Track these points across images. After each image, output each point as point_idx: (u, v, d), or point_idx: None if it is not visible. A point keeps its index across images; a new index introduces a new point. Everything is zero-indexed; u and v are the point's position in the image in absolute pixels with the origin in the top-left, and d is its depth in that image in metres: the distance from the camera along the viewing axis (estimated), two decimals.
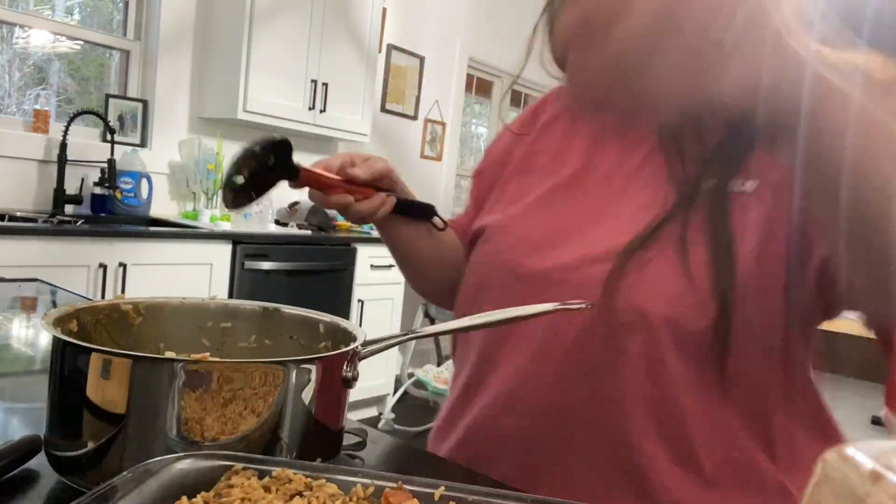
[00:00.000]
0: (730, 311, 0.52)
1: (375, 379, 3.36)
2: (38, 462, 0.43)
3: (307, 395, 0.43)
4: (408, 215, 0.74)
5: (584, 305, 0.52)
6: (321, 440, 0.45)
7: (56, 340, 0.40)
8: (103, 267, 2.28)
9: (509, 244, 0.65)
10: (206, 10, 3.04)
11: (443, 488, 0.35)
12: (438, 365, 3.70)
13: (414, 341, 2.60)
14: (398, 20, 3.95)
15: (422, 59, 4.14)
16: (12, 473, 0.42)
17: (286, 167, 0.63)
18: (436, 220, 0.76)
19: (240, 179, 0.61)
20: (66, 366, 0.40)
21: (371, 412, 3.46)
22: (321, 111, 3.21)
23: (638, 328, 0.53)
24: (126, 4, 2.97)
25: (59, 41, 2.87)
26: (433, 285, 0.82)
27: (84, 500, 0.32)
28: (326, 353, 0.46)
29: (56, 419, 0.42)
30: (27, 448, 0.42)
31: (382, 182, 0.71)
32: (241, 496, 0.34)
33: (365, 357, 0.47)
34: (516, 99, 5.27)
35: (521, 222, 0.66)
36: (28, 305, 1.09)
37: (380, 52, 3.67)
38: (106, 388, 0.39)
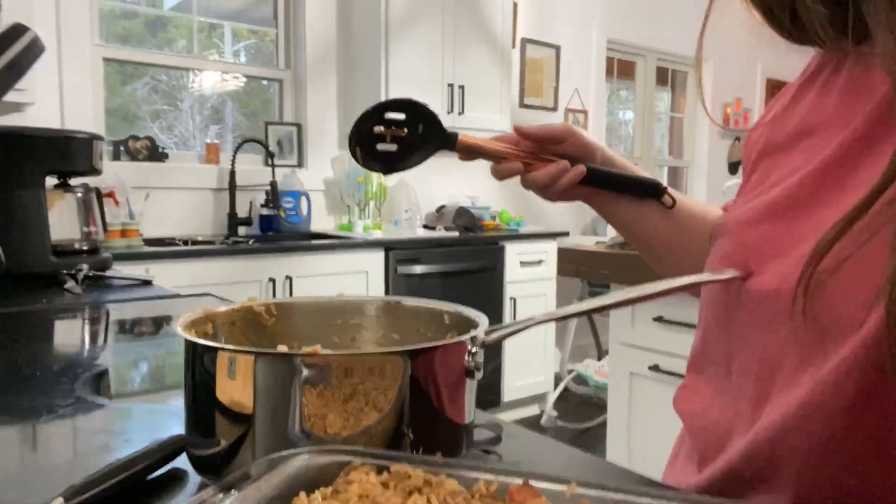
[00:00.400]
0: None
1: (535, 376, 3.32)
2: (186, 461, 0.45)
3: (429, 386, 0.41)
4: (616, 189, 0.64)
5: (735, 275, 0.45)
6: (448, 435, 0.43)
7: (186, 342, 0.42)
8: (272, 280, 2.46)
9: (724, 253, 0.49)
10: (346, 31, 3.20)
11: (574, 485, 0.31)
12: (599, 359, 3.57)
13: (572, 336, 2.51)
14: (530, 12, 3.89)
15: (557, 49, 4.05)
16: (160, 472, 0.44)
17: (439, 135, 0.60)
18: (664, 198, 0.63)
19: (388, 147, 0.60)
20: (196, 365, 0.42)
21: (532, 410, 3.42)
22: (460, 113, 3.24)
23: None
24: (276, 37, 3.21)
25: (226, 80, 3.18)
26: (676, 272, 0.66)
27: (209, 492, 0.32)
28: (446, 341, 0.44)
29: (191, 419, 0.43)
30: (173, 447, 0.44)
31: (565, 147, 0.62)
32: (358, 493, 0.33)
33: (488, 344, 0.43)
34: (662, 76, 4.97)
35: (741, 225, 0.48)
36: None
37: (513, 47, 3.64)
38: (233, 386, 0.40)
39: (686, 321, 1.59)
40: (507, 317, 3.17)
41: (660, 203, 0.63)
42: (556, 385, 3.46)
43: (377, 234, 2.93)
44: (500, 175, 0.62)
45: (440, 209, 3.37)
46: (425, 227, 3.28)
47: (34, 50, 0.28)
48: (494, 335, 0.44)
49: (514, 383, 3.21)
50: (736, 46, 4.95)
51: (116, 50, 2.80)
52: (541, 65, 3.99)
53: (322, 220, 3.18)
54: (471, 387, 0.44)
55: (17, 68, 0.27)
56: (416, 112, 0.61)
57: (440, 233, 3.13)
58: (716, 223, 0.53)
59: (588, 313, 0.44)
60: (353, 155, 0.61)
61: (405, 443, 0.40)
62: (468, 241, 3.08)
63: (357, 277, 2.69)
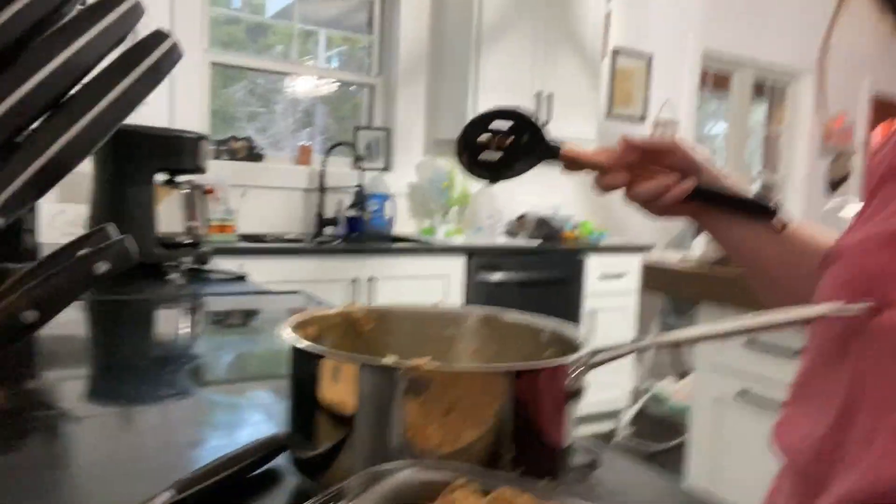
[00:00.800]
0: None
1: (610, 391, 3.23)
2: (287, 460, 0.46)
3: (531, 406, 0.40)
4: (724, 207, 0.61)
5: (864, 306, 0.42)
6: (548, 457, 0.42)
7: (293, 346, 0.43)
8: (355, 281, 2.52)
9: (837, 282, 0.47)
10: (438, 38, 3.24)
11: None
12: (681, 377, 3.44)
13: (652, 353, 2.43)
14: (623, 22, 3.81)
15: (649, 58, 3.94)
16: (261, 470, 0.45)
17: (543, 145, 0.60)
18: (774, 221, 0.60)
19: (492, 156, 0.60)
20: (301, 368, 0.42)
21: (606, 426, 3.33)
22: (547, 122, 3.22)
23: None
24: (370, 44, 3.29)
25: (319, 85, 3.29)
26: (784, 298, 0.63)
27: (312, 502, 0.32)
28: (551, 360, 0.43)
29: (294, 419, 0.44)
30: (273, 446, 0.45)
31: (671, 161, 0.60)
32: None
33: (594, 366, 0.42)
34: (760, 89, 4.75)
35: (857, 249, 0.46)
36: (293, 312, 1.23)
37: (604, 56, 3.57)
38: (335, 392, 0.40)
39: (780, 344, 1.50)
40: (584, 330, 3.10)
41: (770, 225, 0.60)
42: (633, 402, 3.36)
43: (458, 240, 2.94)
44: (603, 187, 0.60)
45: (521, 217, 3.35)
46: (506, 234, 3.27)
47: (173, 56, 0.29)
48: (600, 357, 0.42)
49: (589, 398, 3.13)
50: (842, 59, 4.67)
51: (224, 55, 2.95)
52: (631, 74, 3.90)
53: (405, 224, 3.22)
54: (572, 408, 0.43)
55: (157, 73, 0.28)
56: (522, 121, 0.61)
57: (521, 241, 3.11)
58: (831, 248, 0.50)
59: (701, 340, 0.42)
60: (460, 162, 0.61)
61: (504, 462, 0.40)
62: (548, 251, 3.04)
63: (437, 282, 2.71)
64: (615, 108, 3.85)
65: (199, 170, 1.48)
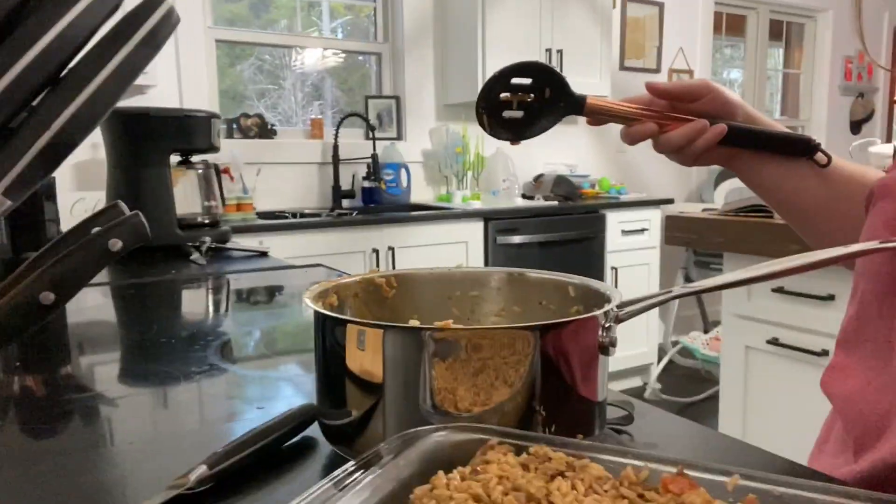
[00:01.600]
0: None
1: (637, 348, 3.23)
2: (318, 430, 0.46)
3: (561, 362, 0.39)
4: (760, 148, 0.58)
5: None
6: (581, 413, 0.41)
7: (317, 314, 0.42)
8: (375, 251, 2.52)
9: (891, 216, 0.45)
10: (443, 1, 3.17)
11: (737, 477, 0.28)
12: (706, 332, 3.42)
13: (676, 307, 2.41)
14: None
15: (661, 6, 3.83)
16: (293, 441, 0.45)
17: (567, 98, 0.58)
18: (818, 156, 0.57)
19: (515, 114, 0.58)
20: (326, 338, 0.42)
21: (635, 382, 3.34)
22: None
23: None
24: (374, 11, 3.23)
25: (326, 57, 3.25)
26: (827, 239, 0.61)
27: (348, 468, 0.32)
28: (579, 316, 0.42)
29: (322, 389, 0.44)
30: (305, 416, 0.45)
31: (702, 105, 0.57)
32: (498, 473, 0.32)
33: (623, 319, 0.41)
34: (776, 31, 4.60)
35: None
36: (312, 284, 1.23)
37: (614, 6, 3.48)
38: (363, 359, 0.40)
39: (809, 293, 1.48)
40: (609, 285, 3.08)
41: (812, 162, 0.57)
42: (660, 358, 3.35)
43: (476, 205, 2.92)
44: (631, 138, 0.58)
45: (538, 178, 3.31)
46: (524, 196, 3.24)
47: (170, 20, 0.28)
48: (629, 309, 0.41)
49: (617, 354, 3.13)
50: None
51: (227, 31, 2.92)
52: (643, 24, 3.79)
53: (421, 192, 3.20)
54: (604, 363, 0.42)
55: (155, 40, 0.27)
56: (543, 75, 0.58)
57: (539, 202, 3.08)
58: (877, 184, 0.48)
59: (728, 286, 0.41)
60: (481, 124, 0.60)
61: (536, 420, 0.39)
62: (568, 210, 3.01)
63: (457, 247, 2.70)
64: (627, 59, 3.76)
65: (212, 148, 1.47)
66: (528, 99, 0.58)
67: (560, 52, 3.14)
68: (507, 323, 0.51)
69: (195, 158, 1.50)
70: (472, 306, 0.53)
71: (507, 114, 0.58)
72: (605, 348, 0.41)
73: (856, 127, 4.88)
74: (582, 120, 0.61)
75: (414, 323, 0.38)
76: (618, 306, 0.41)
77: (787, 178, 0.59)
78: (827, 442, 0.50)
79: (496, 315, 0.52)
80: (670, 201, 3.35)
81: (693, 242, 1.88)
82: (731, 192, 3.61)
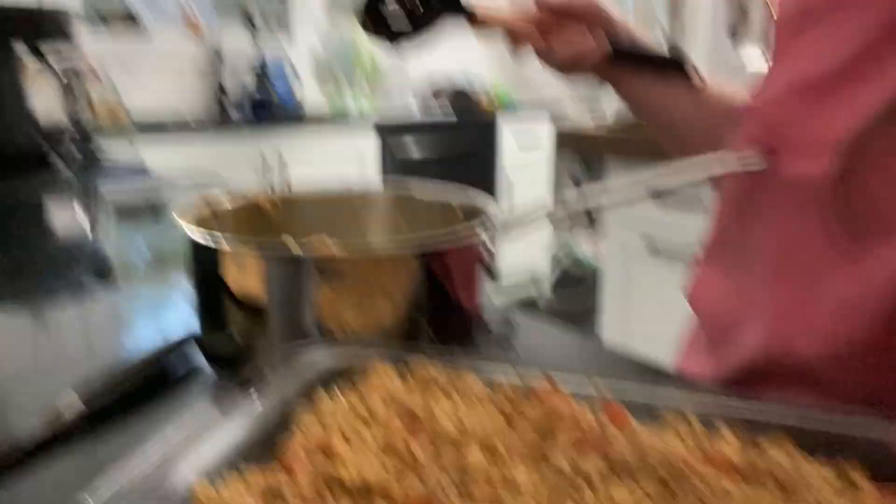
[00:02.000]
0: None
1: (529, 259, 3.36)
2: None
3: (443, 281, 0.40)
4: (636, 65, 0.59)
5: (761, 165, 0.43)
6: (463, 328, 0.43)
7: (192, 240, 0.40)
8: (264, 162, 2.42)
9: (753, 135, 0.46)
10: None
11: (600, 383, 0.30)
12: (591, 227, 3.60)
13: (565, 214, 2.46)
14: None
15: None
16: (180, 373, 0.44)
17: (451, 2, 0.56)
18: (690, 74, 0.58)
19: (395, 11, 0.55)
20: (204, 264, 0.40)
21: (527, 293, 3.49)
22: None
23: None
24: None
25: None
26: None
27: (229, 391, 0.32)
28: (460, 234, 0.42)
29: (202, 315, 0.42)
30: (185, 344, 0.44)
31: (585, 20, 0.58)
32: (381, 394, 0.32)
33: (503, 235, 0.42)
34: None
35: (775, 104, 0.45)
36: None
37: None
38: (241, 284, 0.38)
39: (684, 199, 1.57)
40: (504, 201, 3.15)
41: (686, 81, 0.59)
42: (553, 266, 3.51)
43: (372, 118, 2.84)
44: (517, 49, 0.58)
45: (436, 92, 3.26)
46: (421, 109, 3.19)
47: None
48: (509, 225, 0.42)
49: (509, 266, 3.25)
50: None
51: None
52: None
53: (313, 100, 3.07)
54: (485, 279, 0.43)
55: None
56: None
57: (436, 116, 3.04)
58: (745, 103, 0.50)
59: (608, 205, 0.42)
60: (361, 23, 0.56)
61: (421, 338, 0.40)
62: (464, 124, 3.00)
63: (350, 161, 2.64)
64: None
65: (67, 40, 1.32)
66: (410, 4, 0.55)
67: None
68: (393, 241, 0.51)
69: (55, 61, 1.34)
70: (360, 226, 0.52)
71: (387, 11, 0.55)
72: (488, 267, 0.42)
73: (733, 31, 5.10)
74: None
75: (292, 244, 0.37)
76: (498, 223, 0.42)
77: (662, 96, 0.61)
78: (690, 346, 0.55)
79: (384, 234, 0.52)
80: (564, 119, 3.41)
81: (582, 153, 1.94)
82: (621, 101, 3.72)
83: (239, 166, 2.36)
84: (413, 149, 2.79)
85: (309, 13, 3.03)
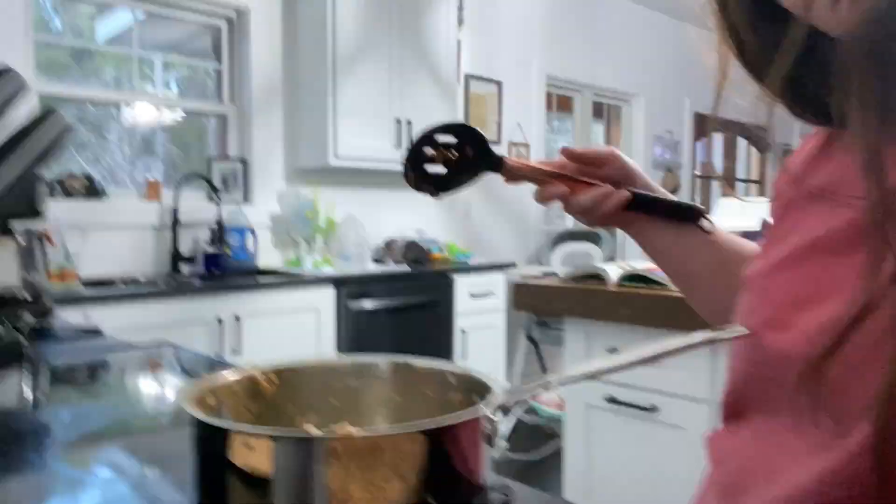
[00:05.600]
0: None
1: None
2: None
3: (451, 456, 0.41)
4: (654, 214, 0.64)
5: (740, 332, 0.46)
6: (468, 500, 0.42)
7: (196, 420, 0.40)
8: (220, 321, 2.38)
9: (749, 309, 0.49)
10: (292, 66, 3.18)
11: None
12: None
13: (521, 367, 2.50)
14: (473, 50, 3.98)
15: (499, 84, 4.15)
16: None
17: (486, 158, 0.63)
18: (702, 222, 0.63)
19: (438, 169, 0.62)
20: (207, 444, 0.40)
21: None
22: (407, 148, 3.26)
23: None
24: (219, 73, 3.16)
25: (162, 114, 3.09)
26: (713, 305, 0.65)
27: None
28: (462, 406, 0.43)
29: (204, 496, 0.41)
30: None
31: (608, 170, 0.63)
32: None
33: (508, 409, 0.43)
34: (598, 110, 5.16)
35: (769, 278, 0.49)
36: (154, 366, 1.14)
37: (458, 82, 3.70)
38: (249, 466, 0.38)
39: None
40: (458, 349, 3.16)
41: (698, 228, 0.63)
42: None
43: (327, 270, 2.89)
44: (544, 197, 0.62)
45: (389, 243, 3.36)
46: (375, 261, 3.26)
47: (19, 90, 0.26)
48: (512, 398, 0.44)
49: None
50: (665, 83, 5.21)
51: (53, 84, 2.69)
52: (484, 100, 4.07)
53: (269, 257, 3.11)
54: (488, 451, 0.44)
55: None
56: (466, 135, 0.63)
57: (390, 267, 3.11)
58: (745, 273, 0.53)
59: (606, 373, 0.45)
60: (406, 178, 0.62)
61: None
62: (418, 274, 3.07)
63: (307, 315, 2.63)
64: None
65: (35, 214, 1.33)
66: (450, 156, 0.62)
67: (409, 122, 3.26)
68: (389, 414, 0.52)
69: (16, 224, 1.35)
70: (356, 396, 0.53)
71: (430, 168, 0.61)
72: (490, 438, 0.43)
73: None
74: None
75: (310, 428, 0.37)
76: (501, 397, 0.44)
77: (677, 243, 0.64)
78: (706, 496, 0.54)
79: (380, 405, 0.52)
80: (513, 265, 3.54)
81: (539, 308, 1.99)
82: (566, 256, 3.90)
83: (194, 325, 2.32)
84: (368, 300, 2.82)
85: (268, 175, 3.15)
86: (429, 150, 0.62)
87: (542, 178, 0.63)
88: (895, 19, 0.36)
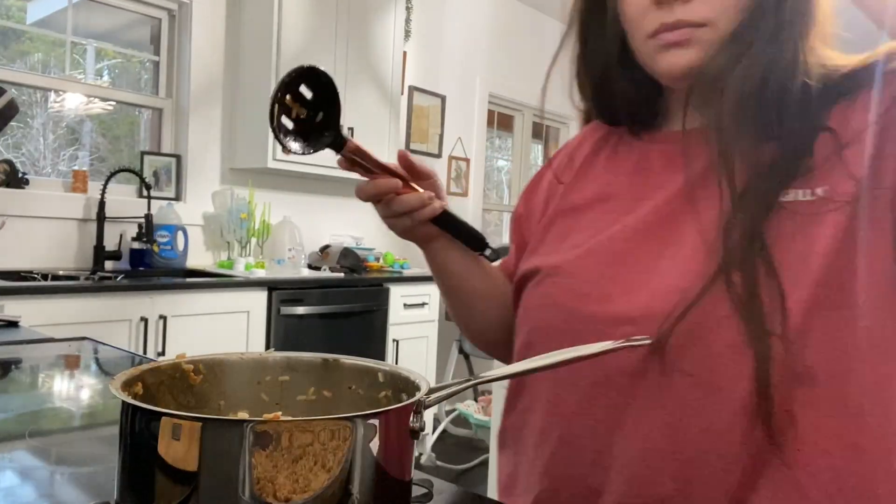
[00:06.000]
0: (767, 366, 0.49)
1: None
2: None
3: (375, 448, 0.42)
4: (455, 235, 0.70)
5: (648, 340, 0.51)
6: (391, 493, 0.44)
7: (125, 405, 0.40)
8: (144, 320, 2.31)
9: (567, 287, 0.62)
10: (234, 65, 3.14)
11: None
12: (475, 399, 3.65)
13: (451, 376, 2.55)
14: (418, 62, 4.02)
15: (443, 98, 4.20)
16: None
17: (331, 132, 0.60)
18: (488, 252, 0.71)
19: (289, 124, 0.58)
20: (136, 430, 0.40)
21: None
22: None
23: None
24: (156, 65, 3.08)
25: (92, 103, 2.98)
26: (481, 323, 0.78)
27: None
28: (390, 403, 0.45)
29: (128, 484, 0.41)
30: None
31: (426, 186, 0.68)
32: None
33: (430, 405, 0.46)
34: (538, 132, 5.29)
35: (578, 264, 0.63)
36: (71, 363, 1.10)
37: (402, 93, 3.73)
38: (177, 451, 0.39)
39: None
40: (390, 358, 3.17)
41: (482, 256, 0.72)
42: (435, 427, 3.48)
43: (260, 273, 2.84)
44: (377, 188, 0.64)
45: (324, 249, 3.34)
46: (309, 267, 3.23)
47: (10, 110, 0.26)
48: (436, 395, 0.46)
49: None
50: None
51: None
52: (427, 112, 4.11)
53: (200, 257, 3.04)
54: (413, 446, 0.46)
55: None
56: (325, 101, 0.60)
57: (325, 273, 3.09)
58: (542, 266, 0.66)
59: (526, 374, 0.48)
60: (270, 116, 0.58)
61: (352, 502, 0.41)
62: (353, 282, 3.06)
63: (237, 317, 2.58)
64: (413, 143, 4.03)
65: None
66: (301, 115, 0.59)
67: (352, 129, 3.26)
68: (318, 408, 0.53)
69: None
70: (282, 391, 0.54)
71: (284, 119, 0.58)
72: (415, 433, 0.45)
73: None
74: None
75: (241, 415, 0.38)
76: (426, 393, 0.46)
77: (466, 266, 0.73)
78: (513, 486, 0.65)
79: (305, 400, 0.54)
80: None
81: None
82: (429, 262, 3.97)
83: (115, 322, 2.24)
84: (301, 306, 2.79)
85: (203, 173, 3.09)
86: (289, 98, 0.58)
87: (378, 170, 0.64)
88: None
